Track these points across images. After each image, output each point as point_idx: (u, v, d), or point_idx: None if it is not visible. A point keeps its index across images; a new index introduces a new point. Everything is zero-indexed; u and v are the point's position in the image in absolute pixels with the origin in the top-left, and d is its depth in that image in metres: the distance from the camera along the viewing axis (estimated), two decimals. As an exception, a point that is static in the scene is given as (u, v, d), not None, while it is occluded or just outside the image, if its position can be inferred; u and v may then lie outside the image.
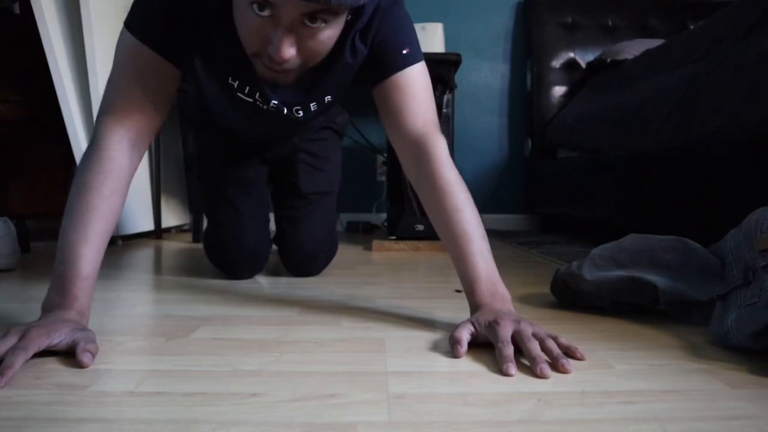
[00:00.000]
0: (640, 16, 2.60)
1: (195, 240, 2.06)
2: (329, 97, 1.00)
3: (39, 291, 0.89)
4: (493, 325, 0.67)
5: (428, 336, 0.77)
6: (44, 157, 2.44)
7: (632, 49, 2.14)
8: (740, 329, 0.66)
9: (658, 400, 0.54)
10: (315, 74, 0.92)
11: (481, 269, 0.78)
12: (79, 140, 1.74)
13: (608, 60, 2.21)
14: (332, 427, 0.48)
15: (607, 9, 2.60)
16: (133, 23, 0.81)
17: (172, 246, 1.95)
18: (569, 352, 0.66)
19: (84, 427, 0.48)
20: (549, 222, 2.64)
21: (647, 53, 1.90)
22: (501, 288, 0.77)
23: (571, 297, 0.95)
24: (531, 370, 0.61)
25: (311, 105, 0.99)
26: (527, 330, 0.66)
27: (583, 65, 2.53)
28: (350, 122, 1.51)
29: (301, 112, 1.00)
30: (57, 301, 0.69)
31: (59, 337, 0.63)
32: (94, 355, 0.64)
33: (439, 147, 0.87)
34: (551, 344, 0.65)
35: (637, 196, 1.59)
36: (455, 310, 0.94)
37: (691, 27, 2.19)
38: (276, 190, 1.37)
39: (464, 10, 2.66)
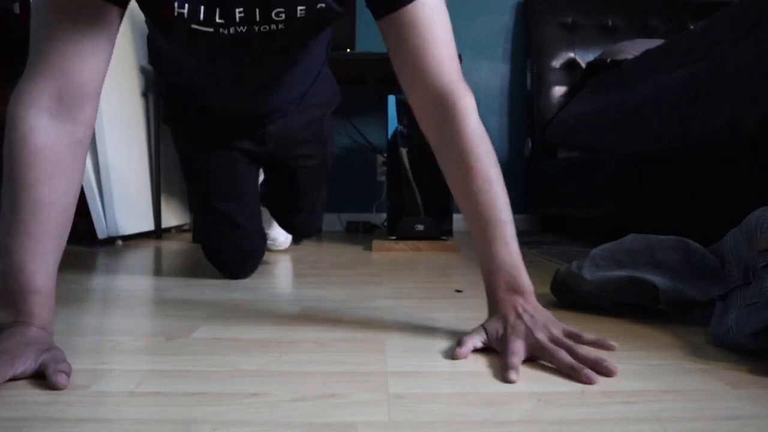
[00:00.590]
0: (640, 16, 2.60)
1: (195, 240, 2.06)
2: (321, 3, 0.80)
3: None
4: (502, 342, 0.65)
5: (428, 336, 0.77)
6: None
7: (632, 49, 2.14)
8: (740, 329, 0.66)
9: (658, 400, 0.54)
10: None
11: (501, 258, 0.71)
12: (79, 140, 1.74)
13: (608, 60, 2.21)
14: (332, 427, 0.48)
15: (607, 9, 2.60)
16: None
17: (172, 246, 1.95)
18: (599, 345, 0.63)
19: (84, 427, 0.48)
20: (549, 222, 2.64)
21: (647, 53, 1.90)
22: (522, 279, 0.71)
23: (571, 297, 0.95)
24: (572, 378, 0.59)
25: (298, 8, 0.80)
26: (544, 339, 0.63)
27: (583, 65, 2.53)
28: (342, 98, 1.43)
29: (283, 15, 0.80)
30: (11, 318, 0.61)
31: (24, 364, 0.56)
32: (68, 375, 0.57)
33: (467, 108, 0.74)
34: (583, 351, 0.62)
35: (637, 196, 1.58)
36: (455, 310, 0.94)
37: (691, 27, 2.19)
38: (273, 181, 1.40)
39: (464, 10, 2.66)
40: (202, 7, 0.76)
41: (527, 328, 0.65)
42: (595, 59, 2.35)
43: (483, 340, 0.68)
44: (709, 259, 0.82)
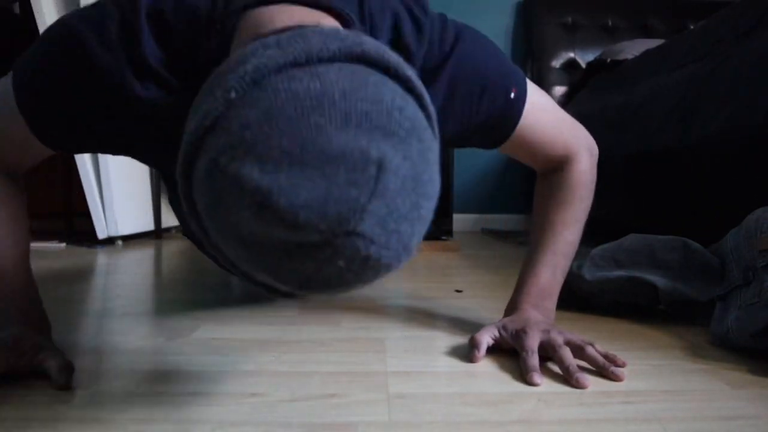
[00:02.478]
0: (640, 16, 2.60)
1: (195, 240, 2.06)
2: None
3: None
4: (520, 335, 0.65)
5: (428, 336, 0.77)
6: (44, 157, 2.44)
7: (632, 49, 2.14)
8: (740, 329, 0.66)
9: (658, 400, 0.54)
10: None
11: (542, 280, 0.73)
12: (79, 140, 1.74)
13: (608, 60, 2.21)
14: (332, 427, 0.48)
15: (607, 9, 2.60)
16: (21, 81, 0.59)
17: (172, 246, 1.95)
18: (609, 360, 0.62)
19: (84, 427, 0.48)
20: (549, 222, 2.64)
21: (647, 53, 1.90)
22: (548, 303, 0.73)
23: (571, 297, 0.95)
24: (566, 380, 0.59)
25: None
26: (557, 339, 0.63)
27: (583, 65, 2.53)
28: None
29: None
30: (7, 321, 0.62)
31: (23, 357, 0.57)
32: (71, 374, 0.57)
33: (580, 159, 0.78)
34: (592, 352, 0.62)
35: (637, 196, 1.58)
36: (455, 310, 0.94)
37: (691, 27, 2.19)
38: None
39: (464, 10, 2.66)
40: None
41: (543, 330, 0.65)
42: (595, 59, 2.35)
43: (494, 336, 0.68)
44: (709, 259, 0.82)
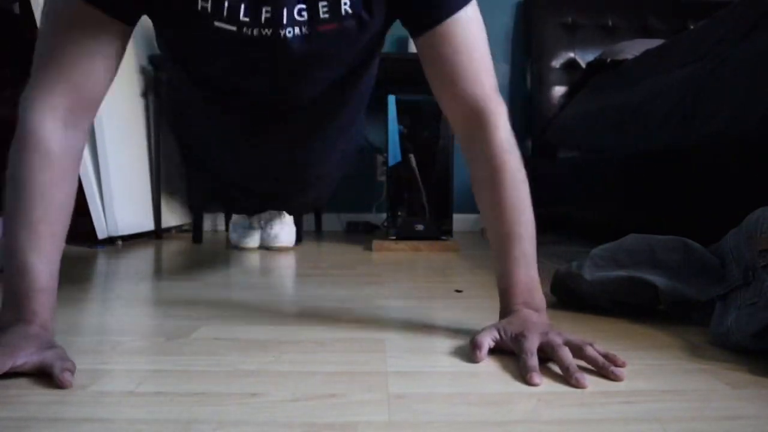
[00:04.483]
0: (640, 16, 2.60)
1: (195, 240, 2.06)
2: (348, 5, 0.75)
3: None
4: (519, 338, 0.64)
5: (428, 336, 0.77)
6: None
7: (632, 49, 2.14)
8: (740, 329, 0.66)
9: (658, 400, 0.54)
10: None
11: (520, 275, 0.72)
12: (79, 140, 1.74)
13: (608, 60, 2.21)
14: (332, 427, 0.48)
15: (607, 9, 2.60)
16: None
17: (172, 246, 1.95)
18: (609, 360, 0.62)
19: (84, 427, 0.48)
20: (549, 222, 2.64)
21: (647, 53, 1.90)
22: (537, 296, 0.72)
23: (571, 297, 0.95)
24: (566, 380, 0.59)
25: (320, 4, 0.76)
26: (556, 339, 0.63)
27: (583, 65, 2.52)
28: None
29: (305, 14, 0.76)
30: (14, 317, 0.62)
31: (25, 357, 0.57)
32: (72, 373, 0.57)
33: (500, 125, 0.75)
34: (592, 352, 0.62)
35: (637, 196, 1.58)
36: (455, 310, 0.94)
37: (691, 27, 2.19)
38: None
39: (464, 10, 2.66)
40: (227, 3, 0.73)
41: (542, 332, 0.65)
42: (595, 59, 2.35)
43: (494, 338, 0.68)
44: (709, 259, 0.82)
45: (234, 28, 0.74)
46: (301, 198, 1.24)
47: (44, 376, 0.57)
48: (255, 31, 0.75)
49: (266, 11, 0.74)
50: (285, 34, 0.76)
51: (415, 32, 0.75)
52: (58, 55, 0.66)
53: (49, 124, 0.66)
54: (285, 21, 0.76)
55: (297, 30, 0.77)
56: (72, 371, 0.58)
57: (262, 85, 0.86)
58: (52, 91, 0.66)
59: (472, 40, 0.74)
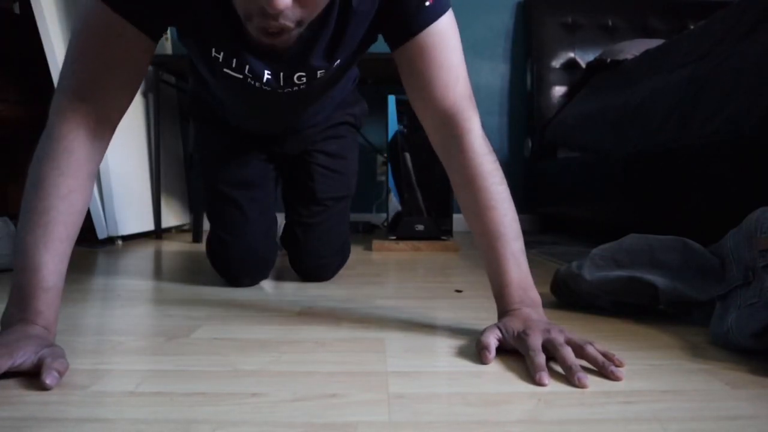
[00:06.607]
0: (640, 16, 2.60)
1: (195, 240, 2.06)
2: (339, 60, 0.86)
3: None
4: (522, 336, 0.65)
5: (428, 336, 0.77)
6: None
7: (632, 49, 2.14)
8: (740, 329, 0.66)
9: (658, 400, 0.54)
10: (318, 33, 0.80)
11: (512, 274, 0.73)
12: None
13: (608, 60, 2.21)
14: (332, 427, 0.48)
15: (607, 9, 2.60)
16: None
17: (172, 246, 1.95)
18: (607, 359, 0.62)
19: (84, 427, 0.48)
20: (549, 222, 2.64)
21: (647, 53, 1.90)
22: (532, 293, 0.73)
23: (571, 297, 0.95)
24: (567, 379, 0.59)
25: (318, 72, 0.86)
26: (559, 338, 0.63)
27: (583, 65, 2.53)
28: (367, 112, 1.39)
29: (304, 79, 0.86)
30: (18, 316, 0.62)
31: (23, 356, 0.57)
32: (62, 374, 0.57)
33: (472, 130, 0.77)
34: (593, 351, 0.62)
35: (637, 196, 1.58)
36: (455, 310, 0.94)
37: (691, 27, 2.19)
38: (288, 191, 1.28)
39: (464, 10, 2.65)
40: (234, 60, 0.82)
41: (544, 329, 0.65)
42: (595, 59, 2.35)
43: (498, 337, 0.68)
44: (709, 259, 0.82)
45: (240, 77, 0.85)
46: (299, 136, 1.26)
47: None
48: (257, 83, 0.86)
49: (267, 73, 0.84)
50: (284, 91, 0.89)
51: (392, 45, 0.79)
52: (89, 66, 0.69)
53: (78, 133, 0.69)
54: (283, 84, 0.87)
55: (295, 88, 0.89)
56: (62, 372, 0.58)
57: (262, 110, 1.03)
58: (84, 100, 0.69)
59: (445, 49, 0.76)
